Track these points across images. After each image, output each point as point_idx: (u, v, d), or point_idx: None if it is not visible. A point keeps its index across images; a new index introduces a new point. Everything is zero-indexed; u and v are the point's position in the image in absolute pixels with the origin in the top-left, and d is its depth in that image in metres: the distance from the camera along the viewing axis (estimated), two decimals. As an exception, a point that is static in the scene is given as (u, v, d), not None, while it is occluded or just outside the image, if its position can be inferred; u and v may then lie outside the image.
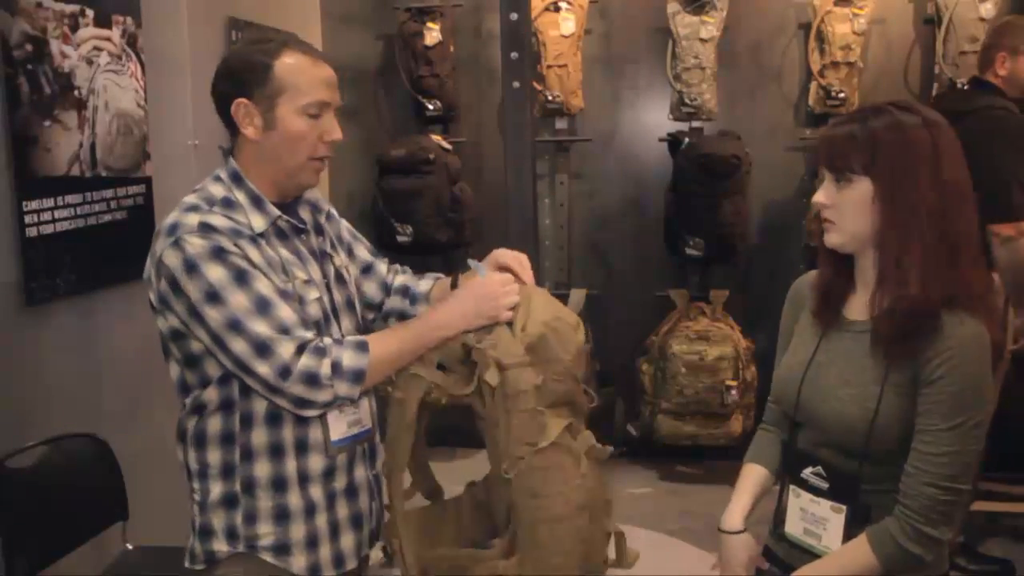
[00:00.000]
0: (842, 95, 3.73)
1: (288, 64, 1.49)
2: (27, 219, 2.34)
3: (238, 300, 1.41)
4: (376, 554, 1.68)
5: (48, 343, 2.44)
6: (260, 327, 1.41)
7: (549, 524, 1.41)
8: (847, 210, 1.42)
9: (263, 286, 1.44)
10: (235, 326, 1.41)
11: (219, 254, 1.42)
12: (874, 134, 1.39)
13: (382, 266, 1.80)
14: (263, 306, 1.42)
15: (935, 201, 1.37)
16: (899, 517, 1.38)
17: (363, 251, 1.78)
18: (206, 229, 1.44)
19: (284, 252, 1.53)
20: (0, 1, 2.25)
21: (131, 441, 2.48)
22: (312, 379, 1.43)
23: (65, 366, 2.50)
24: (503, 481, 1.44)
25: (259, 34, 1.59)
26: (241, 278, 1.43)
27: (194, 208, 1.48)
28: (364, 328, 1.71)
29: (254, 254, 1.46)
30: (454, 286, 1.67)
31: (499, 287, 1.53)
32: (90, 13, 2.59)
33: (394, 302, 1.78)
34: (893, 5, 3.88)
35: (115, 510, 2.28)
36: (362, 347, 1.48)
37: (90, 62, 2.59)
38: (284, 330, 1.43)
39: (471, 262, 1.61)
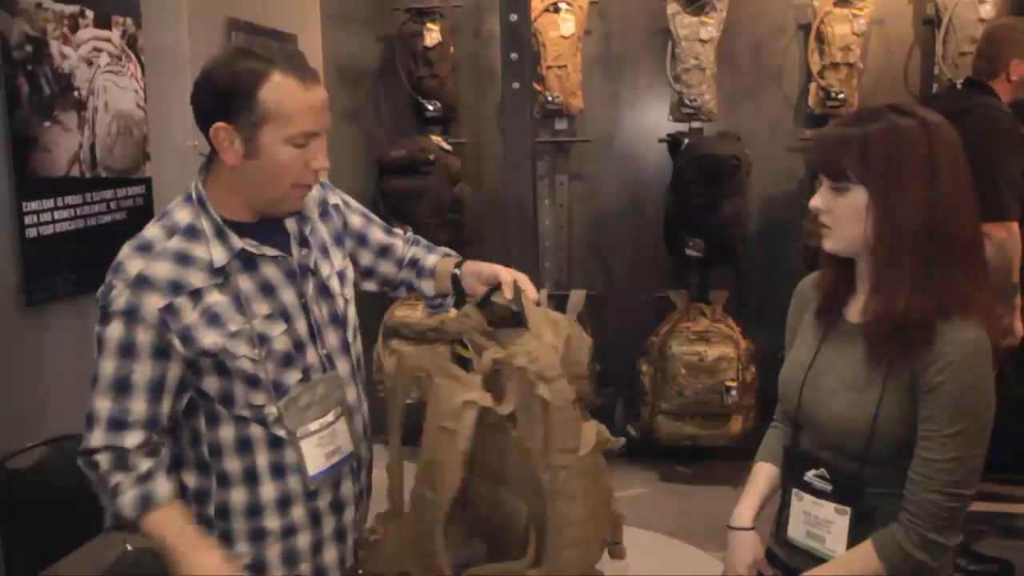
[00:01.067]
0: (842, 96, 3.73)
1: (275, 89, 1.38)
2: (27, 220, 2.34)
3: (107, 367, 1.42)
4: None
5: (48, 344, 2.44)
6: (100, 402, 1.43)
7: (579, 525, 1.40)
8: (843, 216, 1.42)
9: (139, 371, 1.41)
10: (93, 381, 1.44)
11: (130, 315, 1.40)
12: (867, 141, 1.38)
13: (399, 243, 1.78)
14: (121, 387, 1.42)
15: (930, 209, 1.36)
16: (905, 524, 1.38)
17: (378, 233, 1.76)
18: (140, 284, 1.40)
19: (246, 285, 1.46)
20: (0, 2, 2.25)
21: (131, 442, 2.48)
22: (97, 480, 1.47)
23: (65, 367, 2.50)
24: (519, 491, 1.41)
25: (247, 46, 1.48)
26: (126, 351, 1.41)
27: (145, 248, 1.43)
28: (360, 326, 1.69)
29: (187, 313, 1.41)
30: (455, 281, 1.68)
31: None
32: (90, 14, 2.59)
33: (403, 273, 1.78)
34: (893, 6, 3.88)
35: (115, 511, 2.27)
36: (145, 502, 1.44)
37: (90, 63, 2.59)
38: (118, 423, 1.43)
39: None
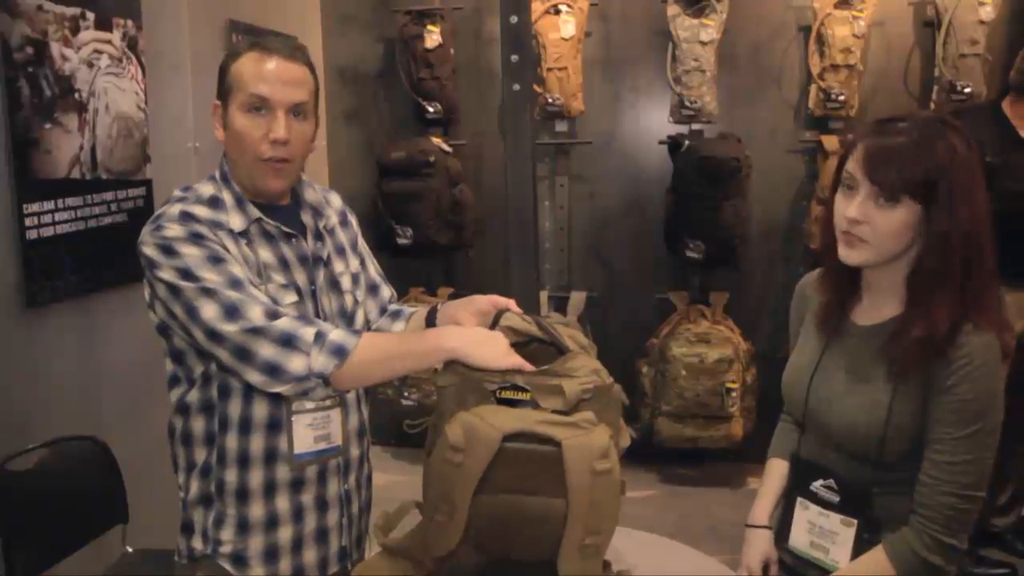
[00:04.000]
0: (842, 98, 3.73)
1: (241, 62, 1.49)
2: (28, 221, 2.34)
3: (211, 276, 1.40)
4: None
5: (49, 345, 2.44)
6: (232, 292, 1.39)
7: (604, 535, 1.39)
8: (886, 231, 1.37)
9: (237, 269, 1.43)
10: (207, 292, 1.39)
11: (195, 238, 1.43)
12: (934, 158, 1.35)
13: (386, 291, 1.79)
14: (236, 283, 1.41)
15: (974, 231, 1.36)
16: (917, 528, 1.37)
17: (372, 271, 1.78)
18: (186, 217, 1.45)
19: (265, 254, 1.52)
20: (1, 4, 2.25)
21: (131, 444, 2.48)
22: (288, 340, 1.37)
23: (66, 368, 2.50)
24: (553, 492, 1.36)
25: (251, 37, 1.56)
26: (215, 259, 1.42)
27: (179, 200, 1.50)
28: None
29: (231, 247, 1.46)
30: (429, 323, 1.65)
31: (505, 340, 1.40)
32: (91, 16, 2.59)
33: (381, 321, 1.76)
34: (893, 8, 3.88)
35: (115, 513, 2.28)
36: (354, 332, 1.43)
37: (91, 65, 2.59)
38: (260, 299, 1.41)
39: None
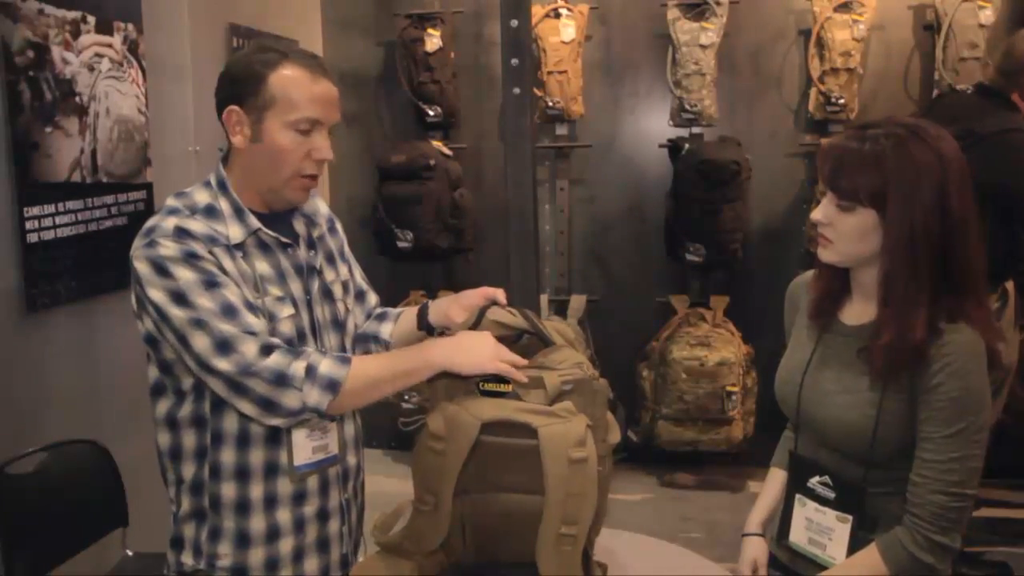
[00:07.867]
0: (842, 101, 3.74)
1: (284, 77, 1.45)
2: (28, 225, 2.34)
3: (204, 302, 1.39)
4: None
5: (49, 349, 2.44)
6: (224, 325, 1.38)
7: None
8: (846, 233, 1.41)
9: (231, 294, 1.41)
10: (198, 324, 1.38)
11: (190, 258, 1.41)
12: (884, 168, 1.36)
13: (372, 298, 1.80)
14: (229, 311, 1.39)
15: (941, 236, 1.36)
16: (909, 527, 1.38)
17: (359, 278, 1.78)
18: (181, 234, 1.42)
19: (262, 266, 1.50)
20: (2, 7, 2.26)
21: (131, 447, 2.48)
22: (280, 378, 1.38)
23: (66, 372, 2.50)
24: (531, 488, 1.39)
25: (267, 42, 1.55)
26: (210, 283, 1.40)
27: (174, 212, 1.47)
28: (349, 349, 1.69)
29: (228, 264, 1.45)
30: (421, 318, 1.67)
31: (492, 340, 1.45)
32: (91, 20, 2.59)
33: (367, 325, 1.77)
34: (893, 11, 3.89)
35: (115, 516, 2.28)
36: (343, 360, 1.42)
37: (91, 68, 2.60)
38: (250, 332, 1.40)
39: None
